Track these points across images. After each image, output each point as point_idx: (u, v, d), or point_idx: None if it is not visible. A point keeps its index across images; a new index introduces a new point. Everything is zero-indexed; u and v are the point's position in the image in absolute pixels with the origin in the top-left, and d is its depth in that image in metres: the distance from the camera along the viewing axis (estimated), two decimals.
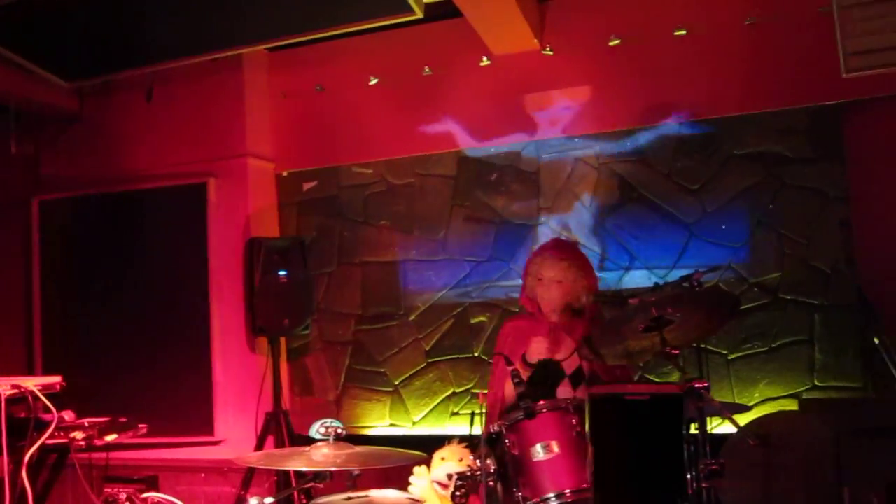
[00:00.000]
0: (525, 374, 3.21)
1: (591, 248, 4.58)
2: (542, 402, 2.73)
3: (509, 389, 3.03)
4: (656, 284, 3.38)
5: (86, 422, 3.10)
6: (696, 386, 2.48)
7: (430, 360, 4.88)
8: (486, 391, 3.38)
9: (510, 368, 2.76)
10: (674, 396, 2.52)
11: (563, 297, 3.36)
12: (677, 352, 2.67)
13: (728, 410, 2.58)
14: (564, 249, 3.58)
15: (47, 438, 2.85)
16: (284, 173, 5.19)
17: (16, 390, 2.84)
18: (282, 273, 4.68)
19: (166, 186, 4.86)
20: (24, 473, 2.71)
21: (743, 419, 3.91)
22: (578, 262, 3.49)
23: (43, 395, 2.90)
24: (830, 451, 3.15)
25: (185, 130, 5.04)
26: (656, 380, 4.42)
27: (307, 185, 5.15)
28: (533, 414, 2.70)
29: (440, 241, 4.91)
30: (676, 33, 4.35)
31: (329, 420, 2.96)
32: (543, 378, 3.33)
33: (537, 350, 3.26)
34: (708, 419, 3.54)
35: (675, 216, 4.50)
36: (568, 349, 3.36)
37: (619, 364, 3.33)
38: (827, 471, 3.14)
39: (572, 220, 4.67)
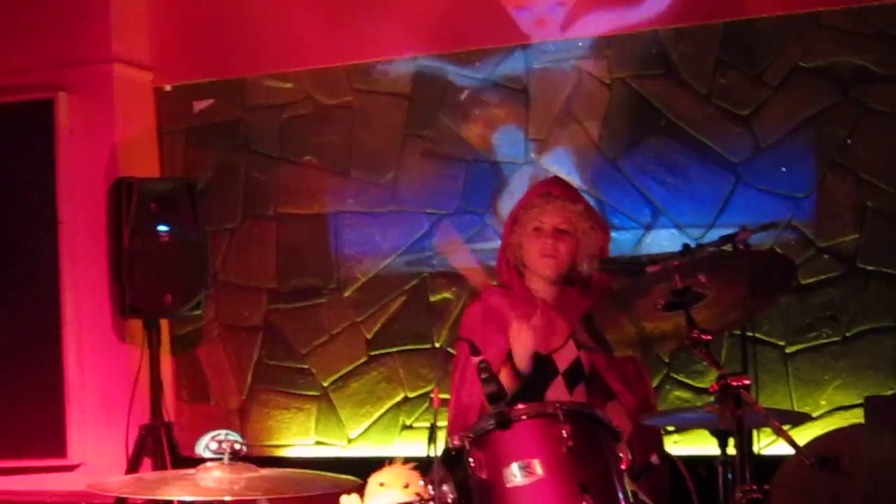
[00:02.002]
0: (511, 384, 3.25)
1: (599, 197, 4.59)
2: (520, 407, 2.72)
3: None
4: (686, 247, 3.43)
5: None
6: (733, 384, 2.50)
7: (372, 353, 4.88)
8: (446, 395, 3.40)
9: (476, 359, 2.77)
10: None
11: (569, 256, 3.39)
12: (709, 338, 2.70)
13: (777, 420, 2.61)
14: (574, 190, 3.61)
15: None
16: (167, 88, 5.14)
17: None
18: (163, 229, 4.66)
19: None
20: None
21: (803, 434, 3.98)
22: (591, 208, 3.54)
23: None
24: None
25: (24, 26, 4.94)
26: (687, 380, 4.48)
27: (200, 105, 5.12)
28: (508, 422, 2.67)
29: (388, 186, 4.88)
30: None
31: (224, 432, 2.96)
32: (528, 377, 3.33)
33: (521, 340, 3.28)
34: (756, 434, 3.69)
35: (717, 154, 4.50)
36: (562, 336, 3.38)
37: (629, 357, 3.37)
38: None
39: (574, 159, 4.65)
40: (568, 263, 3.42)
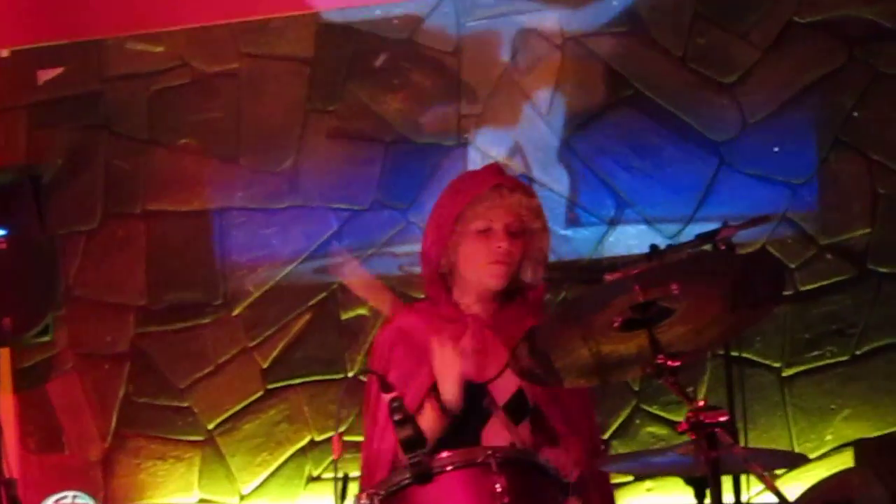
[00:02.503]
0: (444, 424, 3.23)
1: (550, 186, 4.59)
2: (444, 455, 2.71)
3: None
4: (653, 248, 3.42)
5: None
6: (705, 421, 2.50)
7: (270, 387, 4.87)
8: (357, 437, 3.36)
9: (387, 397, 2.74)
10: None
11: (517, 263, 3.39)
12: (676, 363, 2.69)
13: (761, 464, 2.60)
14: (523, 182, 3.60)
15: None
16: (4, 53, 5.08)
17: None
18: None
19: None
20: None
21: (803, 478, 4.00)
22: (541, 206, 3.49)
23: None
24: None
25: None
26: (661, 412, 4.48)
27: (46, 75, 5.07)
28: (427, 475, 2.66)
29: (287, 175, 4.88)
30: None
31: (72, 493, 2.89)
32: (459, 414, 3.27)
33: (447, 367, 3.25)
34: (745, 480, 3.69)
35: (695, 131, 4.52)
36: (500, 362, 3.32)
37: (573, 388, 3.36)
38: None
39: (519, 138, 4.67)
40: (516, 271, 3.40)
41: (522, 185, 3.49)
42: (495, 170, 3.61)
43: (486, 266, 3.36)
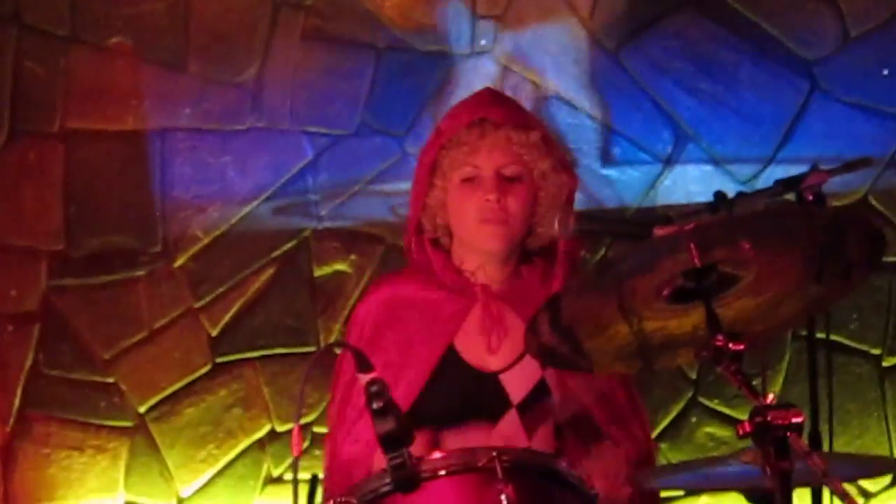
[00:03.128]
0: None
1: (590, 112, 4.63)
2: (435, 456, 2.76)
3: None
4: (718, 196, 3.43)
5: None
6: (774, 423, 2.53)
7: (220, 360, 4.91)
8: (323, 428, 3.41)
9: (364, 377, 2.77)
10: None
11: (524, 215, 3.41)
12: (740, 347, 2.71)
13: (846, 475, 2.63)
14: (520, 108, 3.62)
15: None
16: None
17: None
18: None
19: None
20: None
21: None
22: (551, 137, 3.54)
23: None
24: None
25: None
26: (724, 408, 4.50)
27: None
28: (414, 480, 2.70)
29: (248, 88, 4.90)
30: None
31: None
32: (464, 408, 3.37)
33: (459, 344, 3.32)
34: (828, 496, 3.69)
35: (781, 45, 4.56)
36: (515, 342, 3.36)
37: (616, 377, 3.41)
38: None
39: (548, 50, 4.69)
40: (523, 227, 3.42)
41: (512, 115, 3.50)
42: (482, 98, 3.62)
43: (476, 226, 3.40)
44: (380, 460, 2.89)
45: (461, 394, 3.38)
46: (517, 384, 3.38)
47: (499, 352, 3.40)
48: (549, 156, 3.44)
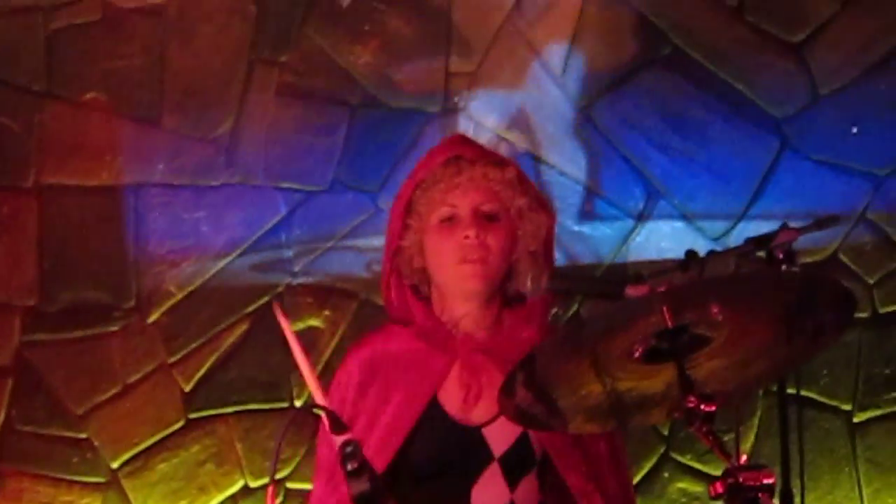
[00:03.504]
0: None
1: (562, 169, 4.64)
2: None
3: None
4: (690, 255, 3.42)
5: None
6: (744, 483, 2.53)
7: (193, 416, 4.90)
8: (304, 485, 3.38)
9: (339, 439, 2.75)
10: None
11: (503, 255, 3.39)
12: (711, 408, 2.71)
13: None
14: (493, 148, 3.67)
15: None
16: None
17: None
18: None
19: None
20: None
21: None
22: (525, 176, 3.49)
23: None
24: None
25: None
26: (695, 464, 4.50)
27: None
28: None
29: (223, 143, 4.91)
30: None
31: None
32: (445, 462, 3.34)
33: (442, 397, 3.31)
34: None
35: (752, 103, 4.57)
36: (495, 398, 3.37)
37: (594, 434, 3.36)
38: None
39: (524, 106, 4.71)
40: (503, 266, 3.38)
41: (490, 154, 3.48)
42: (455, 139, 3.63)
43: (455, 266, 3.34)
44: None
45: (442, 447, 3.34)
46: (499, 437, 3.34)
47: (479, 405, 3.36)
48: (525, 194, 3.40)
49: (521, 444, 3.36)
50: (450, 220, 3.35)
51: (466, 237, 3.30)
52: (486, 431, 3.35)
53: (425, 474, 3.33)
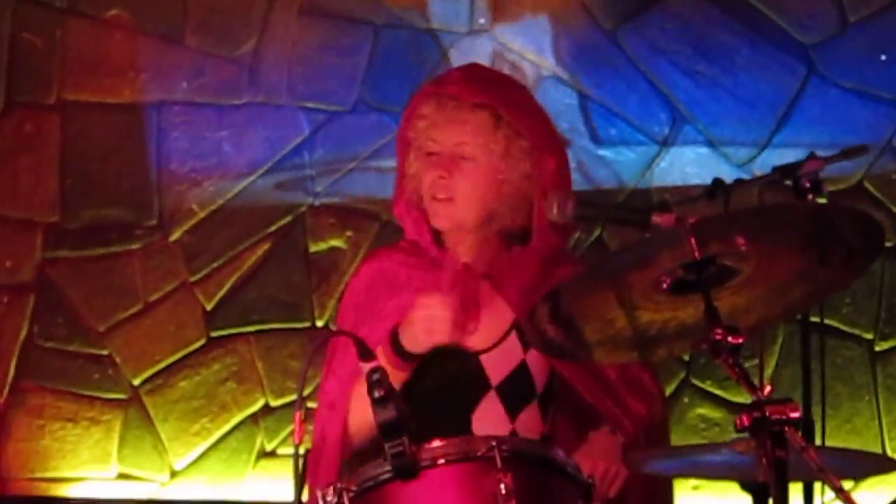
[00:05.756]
0: (399, 376, 3.24)
1: (587, 92, 4.64)
2: (435, 444, 2.75)
3: (367, 413, 3.04)
4: (716, 183, 3.44)
5: None
6: (770, 417, 2.53)
7: (214, 334, 4.93)
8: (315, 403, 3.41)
9: (366, 366, 2.77)
10: None
11: (478, 197, 3.38)
12: (738, 340, 2.71)
13: (836, 472, 2.64)
14: (487, 80, 3.56)
15: None
16: None
17: None
18: None
19: None
20: None
21: (891, 483, 4.05)
22: (527, 110, 3.46)
23: None
24: None
25: None
26: (716, 390, 4.52)
27: None
28: (413, 469, 2.70)
29: (246, 62, 4.91)
30: None
31: None
32: (444, 388, 3.37)
33: (425, 322, 3.29)
34: (819, 487, 3.69)
35: (780, 29, 4.54)
36: (498, 323, 3.39)
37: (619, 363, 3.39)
38: None
39: (545, 29, 4.69)
40: (477, 208, 3.36)
41: (473, 95, 3.40)
42: (449, 75, 3.62)
43: (428, 203, 3.37)
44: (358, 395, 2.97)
45: (439, 371, 3.35)
46: (496, 365, 3.37)
47: (478, 333, 3.37)
48: (504, 139, 3.36)
49: (520, 374, 3.39)
50: (434, 156, 3.36)
51: (440, 176, 3.32)
52: (483, 359, 3.38)
53: (424, 397, 3.31)
